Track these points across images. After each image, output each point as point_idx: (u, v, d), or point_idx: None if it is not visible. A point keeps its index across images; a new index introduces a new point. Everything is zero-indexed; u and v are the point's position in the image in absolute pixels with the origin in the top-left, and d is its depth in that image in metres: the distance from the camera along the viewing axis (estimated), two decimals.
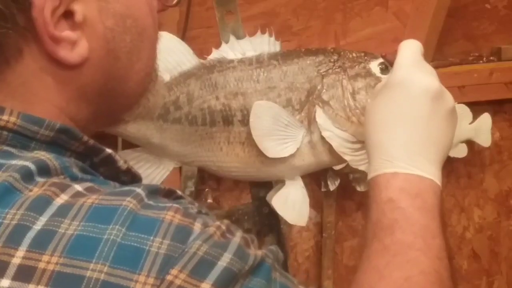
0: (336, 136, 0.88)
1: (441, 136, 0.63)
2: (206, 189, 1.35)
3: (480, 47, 1.55)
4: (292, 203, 0.95)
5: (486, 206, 1.68)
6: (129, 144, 1.00)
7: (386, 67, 0.88)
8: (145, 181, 0.58)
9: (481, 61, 1.54)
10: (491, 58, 1.54)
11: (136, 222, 0.43)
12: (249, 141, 0.91)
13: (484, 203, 1.68)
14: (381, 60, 0.89)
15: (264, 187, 1.06)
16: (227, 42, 0.95)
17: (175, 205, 0.45)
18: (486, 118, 1.48)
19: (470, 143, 1.49)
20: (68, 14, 0.48)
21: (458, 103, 1.42)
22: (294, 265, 1.54)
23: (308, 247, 1.55)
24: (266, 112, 0.89)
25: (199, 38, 1.18)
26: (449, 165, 1.59)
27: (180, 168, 1.20)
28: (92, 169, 0.51)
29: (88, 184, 0.46)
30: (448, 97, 0.63)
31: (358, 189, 1.42)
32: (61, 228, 0.42)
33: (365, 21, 1.32)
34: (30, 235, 0.42)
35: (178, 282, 0.41)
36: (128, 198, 0.44)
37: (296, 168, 0.93)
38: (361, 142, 0.88)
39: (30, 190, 0.44)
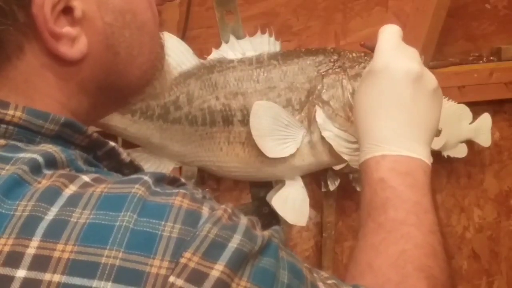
0: (336, 136, 0.88)
1: (426, 116, 0.64)
2: (206, 189, 1.35)
3: (480, 47, 1.55)
4: (292, 203, 0.95)
5: (486, 206, 1.68)
6: (129, 144, 1.00)
7: None
8: None
9: (481, 61, 1.54)
10: (491, 58, 1.54)
11: (147, 208, 0.43)
12: (249, 141, 0.91)
13: (484, 203, 1.67)
14: None
15: (264, 187, 1.06)
16: (227, 42, 0.95)
17: (182, 190, 0.45)
18: (486, 118, 1.48)
19: (470, 143, 1.49)
20: (67, 10, 0.49)
21: (458, 103, 1.43)
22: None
23: (308, 247, 1.55)
24: (266, 112, 0.89)
25: (199, 38, 1.18)
26: (449, 165, 1.58)
27: (180, 168, 1.20)
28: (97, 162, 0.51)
29: (95, 175, 0.46)
30: (430, 78, 0.65)
31: (358, 189, 1.42)
32: (73, 217, 0.42)
33: (365, 21, 1.32)
34: (43, 225, 0.42)
35: (192, 264, 0.42)
36: (137, 186, 0.44)
37: (296, 168, 0.93)
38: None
39: (39, 182, 0.44)
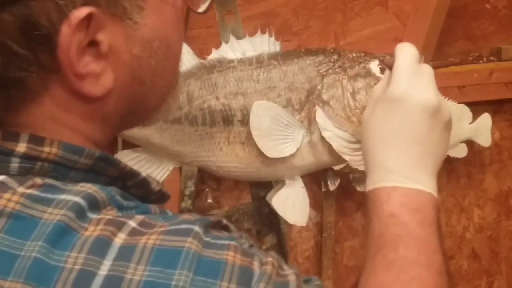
0: (336, 136, 0.88)
1: (438, 148, 0.63)
2: (206, 189, 1.35)
3: (480, 47, 1.55)
4: (292, 203, 0.95)
5: (486, 206, 1.68)
6: (129, 144, 1.00)
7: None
8: None
9: (481, 61, 1.53)
10: (491, 58, 1.54)
11: (201, 265, 0.43)
12: (249, 141, 0.91)
13: (484, 203, 1.67)
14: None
15: (264, 187, 1.06)
16: (227, 42, 0.95)
17: (232, 243, 0.46)
18: (486, 118, 1.48)
19: (470, 143, 1.49)
20: (92, 43, 0.47)
21: (458, 103, 1.43)
22: (294, 265, 1.54)
23: (308, 247, 1.55)
24: (266, 112, 0.89)
25: (199, 38, 1.18)
26: (449, 165, 1.58)
27: (180, 168, 1.20)
28: (124, 190, 0.50)
29: (140, 218, 0.46)
30: (445, 110, 0.64)
31: (358, 189, 1.42)
32: (127, 273, 0.42)
33: (365, 21, 1.32)
34: (98, 281, 0.42)
35: None
36: (189, 239, 0.44)
37: (296, 168, 0.93)
38: (361, 142, 0.88)
39: (86, 229, 0.44)
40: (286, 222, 0.99)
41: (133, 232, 0.44)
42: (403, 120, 0.62)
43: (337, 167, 1.22)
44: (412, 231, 0.58)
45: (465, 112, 1.44)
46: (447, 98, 1.41)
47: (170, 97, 0.58)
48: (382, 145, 0.63)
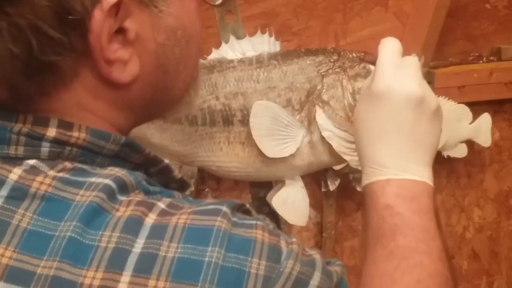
0: (336, 136, 0.88)
1: (428, 137, 0.64)
2: (206, 189, 1.35)
3: (480, 47, 1.55)
4: (292, 203, 0.95)
5: (486, 206, 1.68)
6: None
7: None
8: None
9: (481, 61, 1.53)
10: (491, 58, 1.54)
11: (232, 242, 0.45)
12: (249, 141, 0.91)
13: (484, 203, 1.67)
14: None
15: (264, 187, 1.06)
16: (227, 42, 0.95)
17: (259, 223, 0.47)
18: (486, 118, 1.48)
19: (470, 143, 1.49)
20: (120, 30, 0.48)
21: (458, 103, 1.43)
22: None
23: (308, 247, 1.55)
24: (266, 112, 0.89)
25: None
26: (449, 165, 1.59)
27: (180, 168, 1.20)
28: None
29: (168, 200, 0.47)
30: (431, 99, 0.64)
31: (358, 189, 1.42)
32: (161, 250, 0.43)
33: (365, 21, 1.32)
34: (132, 259, 0.43)
35: None
36: (219, 218, 0.45)
37: (296, 168, 0.93)
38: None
39: (117, 210, 0.45)
40: (286, 222, 0.99)
41: (163, 213, 0.45)
42: (388, 114, 0.63)
43: (337, 167, 1.22)
44: (409, 220, 0.59)
45: (465, 112, 1.44)
46: (447, 98, 1.41)
47: (192, 88, 0.59)
48: (372, 141, 0.64)
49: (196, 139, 0.94)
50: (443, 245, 0.59)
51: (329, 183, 1.36)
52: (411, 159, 0.62)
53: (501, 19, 1.54)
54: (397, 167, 0.62)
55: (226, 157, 0.94)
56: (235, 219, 0.47)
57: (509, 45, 1.55)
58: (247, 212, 0.51)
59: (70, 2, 0.44)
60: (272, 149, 0.90)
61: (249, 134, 0.90)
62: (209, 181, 1.37)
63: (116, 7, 0.46)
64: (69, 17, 0.45)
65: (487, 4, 1.52)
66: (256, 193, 1.09)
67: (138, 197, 0.47)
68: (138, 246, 0.43)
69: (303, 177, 0.96)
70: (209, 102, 0.92)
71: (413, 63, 0.65)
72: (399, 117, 0.62)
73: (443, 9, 1.32)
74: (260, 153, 0.90)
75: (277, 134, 0.90)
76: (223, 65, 0.94)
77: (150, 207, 0.45)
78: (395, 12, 1.33)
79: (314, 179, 1.41)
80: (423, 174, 0.62)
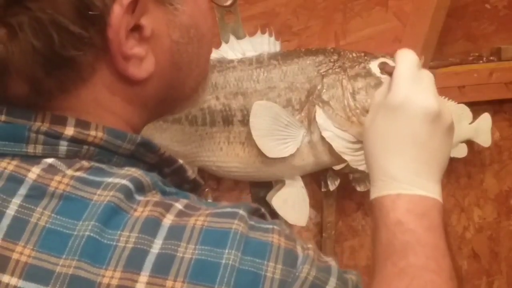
0: (336, 136, 0.88)
1: (440, 153, 0.64)
2: (206, 189, 1.35)
3: (480, 47, 1.55)
4: (292, 203, 0.95)
5: (486, 206, 1.68)
6: None
7: None
8: None
9: (481, 61, 1.54)
10: (491, 58, 1.54)
11: (249, 246, 0.45)
12: (249, 141, 0.91)
13: (484, 203, 1.67)
14: (381, 60, 0.89)
15: (264, 187, 1.06)
16: (227, 42, 0.95)
17: (275, 227, 0.48)
18: (486, 118, 1.48)
19: (470, 143, 1.49)
20: (136, 27, 0.48)
21: (458, 103, 1.43)
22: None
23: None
24: (266, 112, 0.89)
25: None
26: (449, 165, 1.58)
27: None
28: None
29: (185, 201, 0.48)
30: (446, 115, 0.64)
31: (358, 189, 1.42)
32: (179, 251, 0.44)
33: (365, 21, 1.32)
34: (150, 259, 0.43)
35: None
36: (236, 221, 0.46)
37: (296, 168, 0.93)
38: (361, 142, 0.88)
39: (135, 210, 0.45)
40: (286, 222, 0.99)
41: (180, 214, 0.46)
42: (404, 126, 0.62)
43: (337, 167, 1.22)
44: (420, 237, 0.58)
45: (465, 112, 1.44)
46: (447, 98, 1.41)
47: (201, 87, 0.59)
48: (385, 152, 0.63)
49: (196, 139, 0.94)
50: (452, 263, 0.59)
51: (329, 183, 1.36)
52: (423, 174, 0.62)
53: (501, 19, 1.54)
54: (409, 181, 0.61)
55: (226, 157, 0.94)
56: (252, 222, 0.47)
57: (509, 45, 1.55)
58: (262, 216, 0.51)
59: None
60: (272, 149, 0.90)
61: (249, 134, 0.90)
62: (209, 181, 1.37)
63: (134, 4, 0.47)
64: (89, 12, 0.45)
65: (487, 4, 1.52)
66: (256, 193, 1.09)
67: (156, 197, 0.47)
68: (156, 246, 0.43)
69: (303, 177, 0.96)
70: (209, 102, 0.92)
71: (430, 76, 0.65)
72: (415, 130, 0.62)
73: (443, 9, 1.32)
74: (260, 153, 0.90)
75: (277, 134, 0.90)
76: (223, 65, 0.94)
77: (167, 207, 0.46)
78: (395, 12, 1.33)
79: (314, 179, 1.41)
80: (434, 190, 0.62)
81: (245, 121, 0.91)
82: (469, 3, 1.49)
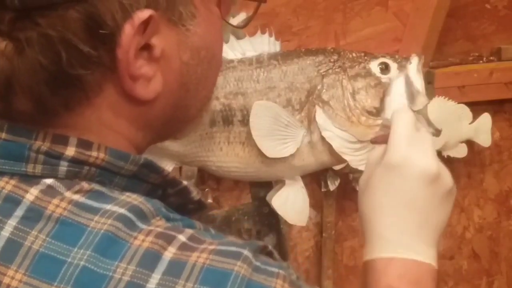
0: (336, 136, 0.88)
1: (438, 216, 0.62)
2: (206, 189, 1.35)
3: (480, 47, 1.55)
4: (292, 203, 0.95)
5: (486, 206, 1.68)
6: None
7: (386, 67, 0.88)
8: None
9: (481, 61, 1.54)
10: (491, 58, 1.54)
11: None
12: (249, 141, 0.91)
13: (484, 203, 1.68)
14: (381, 60, 0.89)
15: (264, 187, 1.06)
16: (227, 42, 0.95)
17: (281, 272, 0.46)
18: (486, 118, 1.48)
19: (470, 143, 1.50)
20: (146, 46, 0.47)
21: (458, 103, 1.43)
22: (294, 265, 1.54)
23: (308, 247, 1.55)
24: (266, 112, 0.89)
25: None
26: (449, 165, 1.58)
27: (180, 168, 1.20)
28: (163, 200, 0.51)
29: (189, 232, 0.46)
30: (446, 178, 0.62)
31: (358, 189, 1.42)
32: None
33: (365, 21, 1.32)
34: None
35: None
36: (239, 263, 0.44)
37: (296, 168, 0.93)
38: (361, 142, 0.88)
39: (135, 238, 0.44)
40: (286, 222, 0.99)
41: (183, 247, 0.44)
42: (401, 187, 0.60)
43: (337, 167, 1.22)
44: None
45: (465, 112, 1.44)
46: (447, 98, 1.41)
47: (205, 109, 0.58)
48: (380, 213, 0.61)
49: (196, 139, 0.94)
50: None
51: (329, 183, 1.36)
52: (418, 238, 0.60)
53: (501, 19, 1.54)
54: (403, 244, 0.59)
55: (226, 157, 0.94)
56: (257, 263, 0.45)
57: (509, 45, 1.55)
58: (269, 254, 0.49)
59: (102, 16, 0.44)
60: (272, 149, 0.90)
61: (249, 134, 0.90)
62: (209, 181, 1.37)
63: (145, 24, 0.46)
64: (100, 31, 0.44)
65: (487, 4, 1.52)
66: (256, 193, 1.09)
67: (160, 225, 0.46)
68: (153, 281, 0.42)
69: (303, 177, 0.96)
70: None
71: (428, 137, 0.63)
72: (413, 191, 0.60)
73: (443, 9, 1.32)
74: (260, 153, 0.90)
75: (277, 134, 0.90)
76: (223, 65, 0.94)
77: (170, 240, 0.44)
78: (395, 12, 1.33)
79: (314, 179, 1.41)
80: (429, 255, 0.59)
81: (245, 121, 0.91)
82: (469, 3, 1.49)
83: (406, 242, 0.59)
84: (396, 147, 0.62)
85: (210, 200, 1.36)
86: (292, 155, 0.90)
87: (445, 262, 1.66)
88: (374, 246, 0.60)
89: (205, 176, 1.33)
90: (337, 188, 1.39)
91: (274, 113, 0.89)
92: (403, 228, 0.60)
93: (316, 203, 1.47)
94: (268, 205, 1.00)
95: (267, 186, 1.04)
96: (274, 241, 1.15)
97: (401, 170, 0.60)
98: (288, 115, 0.90)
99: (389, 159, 0.62)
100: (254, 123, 0.89)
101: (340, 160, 0.91)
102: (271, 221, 1.12)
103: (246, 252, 0.45)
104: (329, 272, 1.54)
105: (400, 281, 0.58)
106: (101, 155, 0.47)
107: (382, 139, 0.66)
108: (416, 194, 0.60)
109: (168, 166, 0.98)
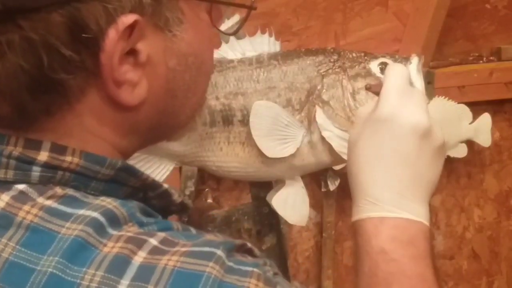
0: (336, 136, 0.88)
1: (429, 174, 0.59)
2: (206, 189, 1.35)
3: (480, 47, 1.56)
4: (292, 203, 0.95)
5: (486, 206, 1.68)
6: None
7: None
8: None
9: (481, 61, 1.54)
10: (491, 58, 1.55)
11: None
12: (249, 141, 0.91)
13: (484, 203, 1.68)
14: (381, 60, 0.89)
15: (264, 187, 1.06)
16: (227, 42, 0.95)
17: (256, 270, 0.44)
18: (486, 118, 1.48)
19: (470, 143, 1.50)
20: (131, 52, 0.47)
21: (458, 103, 1.43)
22: (294, 265, 1.55)
23: (308, 247, 1.56)
24: (266, 112, 0.89)
25: None
26: (449, 165, 1.59)
27: (180, 168, 1.20)
28: (145, 201, 0.50)
29: (161, 235, 0.45)
30: (437, 133, 0.59)
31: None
32: None
33: (365, 21, 1.33)
34: None
35: None
36: (211, 264, 0.43)
37: (296, 168, 0.93)
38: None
39: (105, 245, 0.43)
40: (286, 222, 0.99)
41: (154, 251, 0.43)
42: (390, 142, 0.58)
43: (337, 167, 1.22)
44: (405, 267, 0.54)
45: (465, 112, 1.44)
46: (447, 98, 1.41)
47: (197, 114, 0.57)
48: (368, 171, 0.59)
49: (196, 139, 0.94)
50: None
51: (329, 183, 1.36)
52: (410, 195, 0.57)
53: (501, 19, 1.55)
54: (393, 202, 0.56)
55: (226, 157, 0.94)
56: (230, 263, 0.44)
57: (509, 45, 1.55)
58: (249, 252, 0.48)
59: (86, 20, 0.43)
60: (272, 149, 0.90)
61: (249, 134, 0.90)
62: (209, 181, 1.37)
63: (131, 29, 0.45)
64: (83, 35, 0.44)
65: (487, 4, 1.52)
66: (256, 193, 1.09)
67: (130, 231, 0.44)
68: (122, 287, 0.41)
69: (303, 177, 0.96)
70: (209, 102, 0.92)
71: (420, 93, 0.61)
72: (402, 146, 0.57)
73: (443, 9, 1.32)
74: (260, 153, 0.90)
75: (277, 134, 0.90)
76: (223, 65, 0.94)
77: (140, 244, 0.43)
78: (395, 12, 1.33)
79: (314, 179, 1.41)
80: (420, 213, 0.57)
81: (245, 121, 0.91)
82: (469, 3, 1.49)
83: (396, 200, 0.57)
84: (387, 100, 0.59)
85: (210, 200, 1.37)
86: (292, 155, 0.90)
87: (445, 262, 1.67)
88: (363, 205, 0.58)
89: (205, 176, 1.33)
90: (337, 188, 1.39)
91: (274, 113, 0.89)
92: (392, 185, 0.57)
93: (316, 203, 1.47)
94: (268, 205, 1.00)
95: (267, 186, 1.04)
96: (274, 241, 1.15)
97: (391, 123, 0.58)
98: (288, 115, 0.90)
99: (379, 113, 0.59)
100: (254, 123, 0.89)
101: (340, 160, 0.91)
102: (271, 221, 1.12)
103: (219, 252, 0.44)
104: (329, 272, 1.54)
105: (392, 242, 0.55)
106: (76, 159, 0.46)
107: (376, 88, 0.63)
108: (406, 148, 0.57)
109: (168, 166, 0.98)
